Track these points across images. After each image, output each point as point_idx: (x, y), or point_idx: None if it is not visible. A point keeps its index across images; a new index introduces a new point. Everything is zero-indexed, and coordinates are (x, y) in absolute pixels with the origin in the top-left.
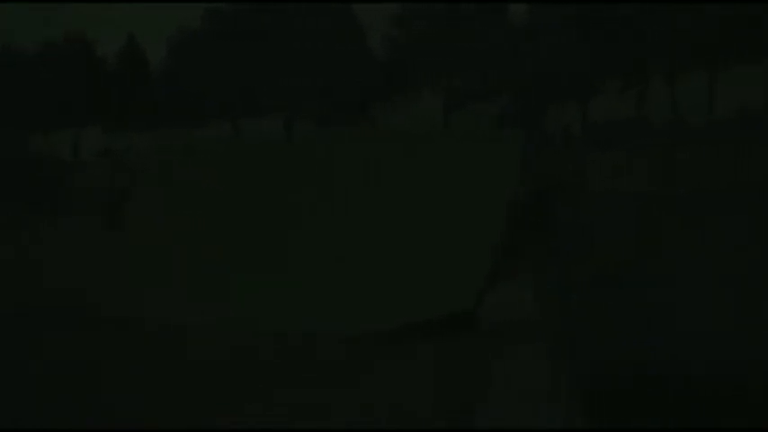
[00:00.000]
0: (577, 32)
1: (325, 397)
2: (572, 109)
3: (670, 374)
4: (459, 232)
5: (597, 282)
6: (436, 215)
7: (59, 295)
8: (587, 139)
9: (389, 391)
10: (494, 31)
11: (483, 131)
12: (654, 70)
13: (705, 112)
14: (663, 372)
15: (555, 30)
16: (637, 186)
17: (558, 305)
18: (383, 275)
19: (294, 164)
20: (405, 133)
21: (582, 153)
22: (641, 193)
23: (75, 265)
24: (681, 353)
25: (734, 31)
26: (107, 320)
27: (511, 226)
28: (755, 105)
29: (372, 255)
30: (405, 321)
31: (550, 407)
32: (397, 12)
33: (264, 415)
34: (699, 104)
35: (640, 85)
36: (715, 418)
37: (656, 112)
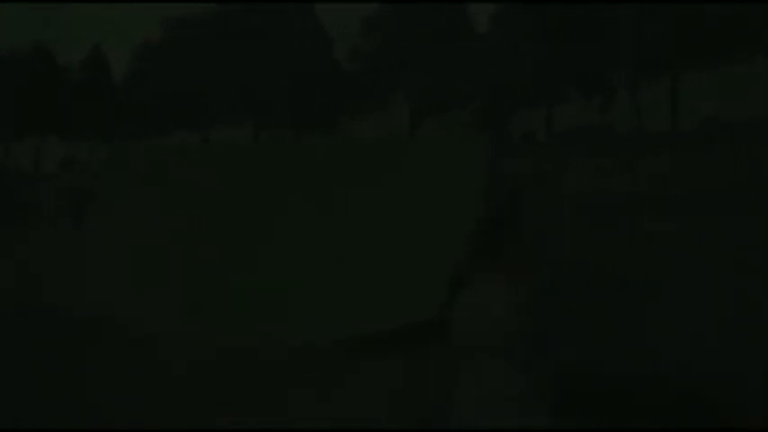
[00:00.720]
0: (541, 41)
1: (288, 410)
2: (538, 116)
3: (645, 377)
4: (427, 239)
5: (571, 285)
6: (403, 222)
7: (20, 296)
8: (552, 145)
9: (357, 401)
10: (459, 41)
11: (449, 137)
12: (617, 78)
13: (668, 119)
14: (637, 374)
15: (519, 39)
16: (605, 188)
17: (531, 309)
18: (350, 282)
19: (259, 171)
20: (370, 139)
21: (547, 157)
22: (611, 194)
23: (43, 267)
24: (657, 354)
25: (695, 38)
26: (78, 320)
27: (480, 230)
28: (717, 112)
29: (338, 261)
30: (373, 329)
31: (522, 412)
32: (365, 22)
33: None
34: (662, 111)
35: (605, 93)
36: (690, 418)
37: (620, 119)
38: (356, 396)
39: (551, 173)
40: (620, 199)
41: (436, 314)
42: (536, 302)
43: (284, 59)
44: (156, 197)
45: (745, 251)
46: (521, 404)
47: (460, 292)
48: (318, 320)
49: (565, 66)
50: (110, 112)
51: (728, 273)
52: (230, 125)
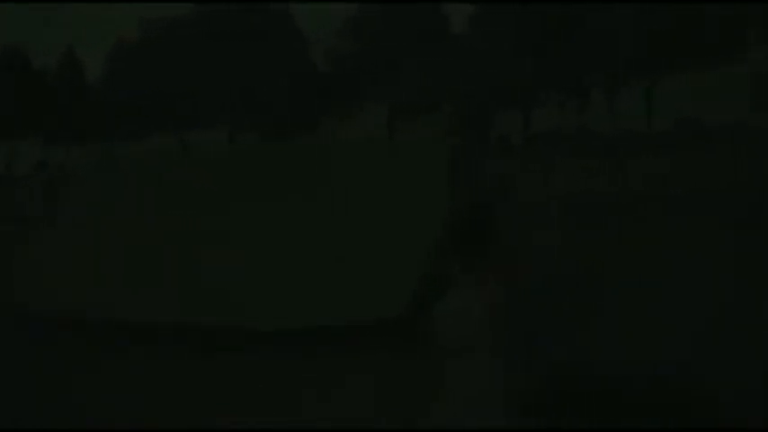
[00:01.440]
0: (518, 43)
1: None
2: (515, 119)
3: (634, 377)
4: (394, 237)
5: (559, 286)
6: (372, 220)
7: None
8: (531, 146)
9: (333, 402)
10: (437, 43)
11: (421, 139)
12: (593, 81)
13: (644, 120)
14: (627, 374)
15: (496, 41)
16: (590, 189)
17: (517, 310)
18: (318, 276)
19: (234, 173)
20: (343, 142)
21: (528, 159)
22: (586, 198)
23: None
24: (648, 355)
25: (671, 41)
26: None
27: (452, 233)
28: (693, 113)
29: (305, 259)
30: (337, 320)
31: (509, 411)
32: (341, 24)
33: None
34: (639, 114)
35: (581, 96)
36: (682, 418)
37: (596, 121)
38: (343, 396)
39: (534, 174)
40: (605, 199)
41: (404, 311)
42: (522, 303)
43: (261, 61)
44: (142, 198)
45: (737, 252)
46: (507, 403)
47: (442, 297)
48: (287, 310)
49: (542, 68)
50: (84, 115)
51: (718, 273)
52: (206, 128)
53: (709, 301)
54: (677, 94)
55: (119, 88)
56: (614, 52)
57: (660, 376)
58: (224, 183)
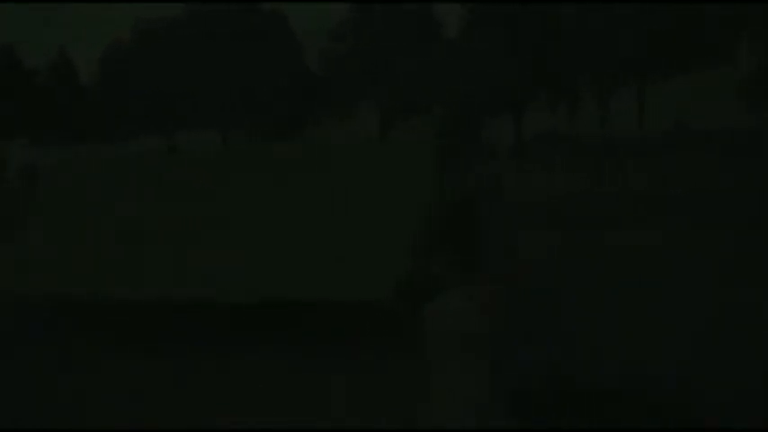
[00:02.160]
0: (510, 47)
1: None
2: (506, 121)
3: (615, 379)
4: (380, 235)
5: (541, 290)
6: (358, 217)
7: None
8: (519, 151)
9: (322, 403)
10: (429, 46)
11: (408, 141)
12: (583, 85)
13: (635, 125)
14: (612, 378)
15: (488, 45)
16: (576, 193)
17: (503, 314)
18: (301, 262)
19: (228, 174)
20: (333, 144)
21: (516, 163)
22: (574, 201)
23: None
24: (627, 357)
25: (661, 45)
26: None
27: (438, 231)
28: (684, 118)
29: (291, 246)
30: (317, 297)
31: (495, 414)
32: (334, 26)
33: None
34: (630, 118)
35: (570, 100)
36: (662, 420)
37: (587, 125)
38: (318, 393)
39: (524, 175)
40: (592, 204)
41: (387, 297)
42: (508, 307)
43: (254, 62)
44: (125, 192)
45: (724, 259)
46: (493, 407)
47: (435, 298)
48: (273, 287)
49: (534, 70)
50: (76, 116)
51: (705, 278)
52: (199, 129)
53: (707, 302)
54: (670, 96)
55: (112, 89)
56: (606, 54)
57: (656, 377)
58: (211, 179)
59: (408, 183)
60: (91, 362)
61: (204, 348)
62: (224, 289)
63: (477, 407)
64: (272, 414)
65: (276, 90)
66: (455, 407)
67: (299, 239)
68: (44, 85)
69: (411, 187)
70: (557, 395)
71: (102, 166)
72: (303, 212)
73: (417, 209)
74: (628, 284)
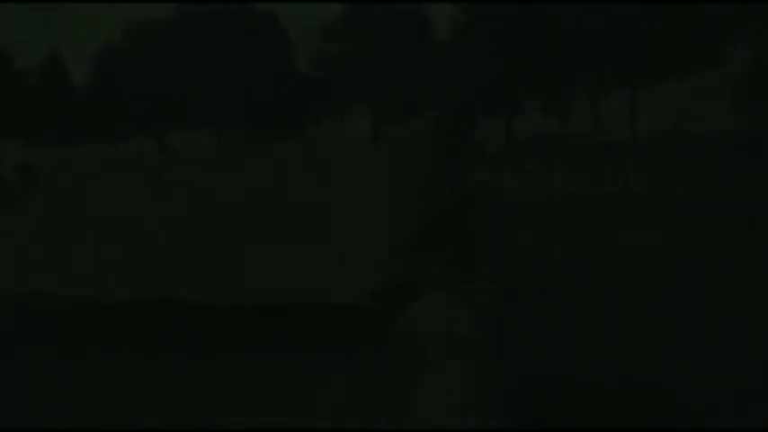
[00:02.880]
0: (502, 49)
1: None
2: (499, 123)
3: (611, 383)
4: (371, 235)
5: (531, 293)
6: (350, 217)
7: None
8: (511, 153)
9: (308, 404)
10: (420, 48)
11: (400, 142)
12: (577, 86)
13: (626, 128)
14: (603, 379)
15: (478, 47)
16: (566, 196)
17: (486, 317)
18: (291, 263)
19: (213, 172)
20: (327, 142)
21: (508, 166)
22: (573, 201)
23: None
24: (607, 362)
25: (659, 45)
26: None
27: (430, 232)
28: (676, 123)
29: (282, 246)
30: (308, 299)
31: (481, 415)
32: (327, 27)
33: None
34: (623, 121)
35: (562, 102)
36: (652, 420)
37: (585, 126)
38: (304, 396)
39: (518, 176)
40: (591, 204)
41: (376, 302)
42: (504, 307)
43: (247, 63)
44: (118, 193)
45: (724, 259)
46: (479, 407)
47: (421, 298)
48: (264, 288)
49: (527, 72)
50: (67, 117)
51: (704, 278)
52: (192, 129)
53: (706, 302)
54: (669, 96)
55: (104, 89)
56: (603, 55)
57: (655, 377)
58: (207, 180)
59: (403, 183)
60: (90, 363)
61: (203, 349)
62: (220, 290)
63: (462, 407)
64: (271, 415)
65: (268, 91)
66: (440, 407)
67: (295, 241)
68: (35, 86)
69: (405, 188)
70: (556, 395)
71: (101, 167)
72: (299, 213)
73: (412, 209)
74: (627, 284)
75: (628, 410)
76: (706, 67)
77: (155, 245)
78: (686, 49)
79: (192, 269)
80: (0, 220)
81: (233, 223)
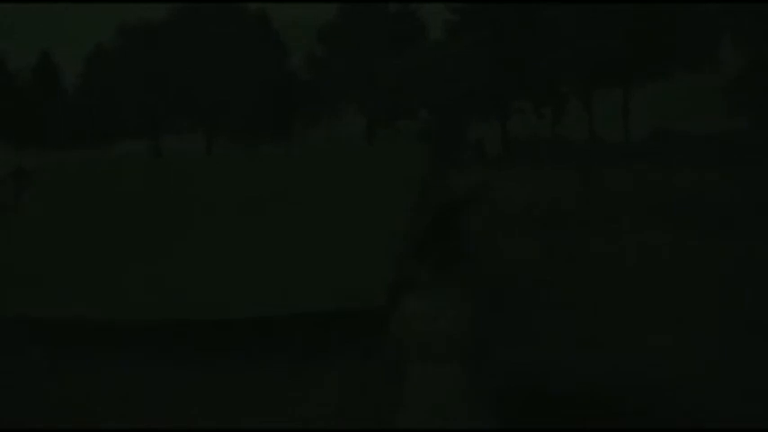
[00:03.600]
0: (495, 50)
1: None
2: (489, 126)
3: (594, 386)
4: (363, 239)
5: (512, 294)
6: (343, 223)
7: None
8: (505, 155)
9: (293, 405)
10: (414, 50)
11: (392, 146)
12: (568, 88)
13: (619, 129)
14: (587, 382)
15: (470, 50)
16: (558, 198)
17: (480, 317)
18: (285, 278)
19: (206, 178)
20: (319, 147)
21: (500, 167)
22: (560, 204)
23: None
24: (595, 363)
25: (642, 48)
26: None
27: (423, 236)
28: (668, 123)
29: (274, 260)
30: (304, 310)
31: (470, 417)
32: (319, 30)
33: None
34: (615, 122)
35: (555, 104)
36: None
37: (572, 129)
38: (292, 398)
39: (508, 181)
40: (578, 207)
41: (373, 308)
42: (485, 310)
43: (238, 67)
44: (106, 200)
45: (711, 261)
46: (468, 409)
47: (404, 299)
48: (264, 299)
49: (519, 74)
50: (58, 120)
51: (691, 280)
52: (179, 134)
53: (692, 304)
54: (654, 100)
55: (94, 93)
56: (592, 57)
57: (641, 380)
58: (195, 187)
59: (396, 186)
60: (73, 381)
61: (199, 364)
62: (212, 305)
63: (446, 410)
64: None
65: (259, 95)
66: (423, 410)
67: (289, 249)
68: (25, 88)
69: (399, 191)
70: (543, 396)
71: (92, 171)
72: (293, 220)
73: (405, 213)
74: (615, 285)
75: (616, 411)
76: (697, 69)
77: (147, 259)
78: (676, 50)
79: (184, 287)
80: None
81: (226, 230)
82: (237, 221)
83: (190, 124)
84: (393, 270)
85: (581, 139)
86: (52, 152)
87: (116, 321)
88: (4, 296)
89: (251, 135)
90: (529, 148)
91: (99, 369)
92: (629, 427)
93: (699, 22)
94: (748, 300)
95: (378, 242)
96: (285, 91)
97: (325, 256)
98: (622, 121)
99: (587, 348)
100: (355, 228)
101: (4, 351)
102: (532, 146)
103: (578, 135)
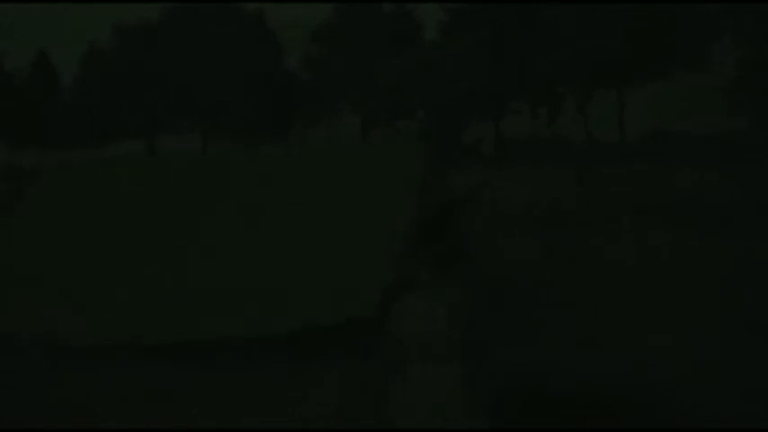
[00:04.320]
0: (491, 51)
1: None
2: (487, 126)
3: (589, 385)
4: (362, 242)
5: (512, 294)
6: (341, 225)
7: None
8: (501, 155)
9: (293, 405)
10: (410, 51)
11: (389, 146)
12: (565, 89)
13: (615, 130)
14: (582, 382)
15: (468, 50)
16: (555, 198)
17: (474, 317)
18: (285, 283)
19: (204, 179)
20: (315, 147)
21: (496, 168)
22: (558, 204)
23: None
24: (596, 364)
25: (641, 48)
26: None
27: (419, 237)
28: (663, 124)
29: (274, 263)
30: (305, 324)
31: (463, 414)
32: (315, 29)
33: None
34: (611, 123)
35: (551, 105)
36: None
37: (568, 130)
38: (288, 396)
39: (505, 181)
40: (577, 207)
41: (373, 313)
42: (485, 310)
43: (235, 66)
44: (103, 202)
45: (710, 261)
46: (462, 407)
47: (404, 299)
48: (260, 315)
49: (514, 74)
50: (55, 119)
51: (690, 281)
52: (178, 134)
53: (692, 304)
54: (654, 100)
55: (90, 93)
56: (590, 57)
57: (637, 378)
58: (192, 188)
59: (395, 186)
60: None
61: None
62: (212, 323)
63: (446, 410)
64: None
65: (256, 94)
66: (423, 410)
67: (288, 249)
68: (24, 87)
69: (398, 191)
70: (541, 396)
71: (91, 171)
72: (292, 220)
73: (404, 212)
74: (613, 286)
75: (616, 411)
76: (697, 69)
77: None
78: (676, 50)
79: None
80: None
81: (226, 230)
82: (237, 221)
83: (189, 124)
84: (392, 270)
85: (581, 139)
86: (51, 152)
87: (110, 342)
88: (4, 296)
89: (250, 135)
90: (528, 148)
91: (99, 369)
92: (629, 427)
93: (699, 22)
94: (748, 300)
95: (377, 242)
96: (284, 91)
97: (324, 256)
98: (619, 120)
99: (587, 348)
100: (354, 228)
101: (3, 351)
102: (532, 146)
103: (578, 135)
